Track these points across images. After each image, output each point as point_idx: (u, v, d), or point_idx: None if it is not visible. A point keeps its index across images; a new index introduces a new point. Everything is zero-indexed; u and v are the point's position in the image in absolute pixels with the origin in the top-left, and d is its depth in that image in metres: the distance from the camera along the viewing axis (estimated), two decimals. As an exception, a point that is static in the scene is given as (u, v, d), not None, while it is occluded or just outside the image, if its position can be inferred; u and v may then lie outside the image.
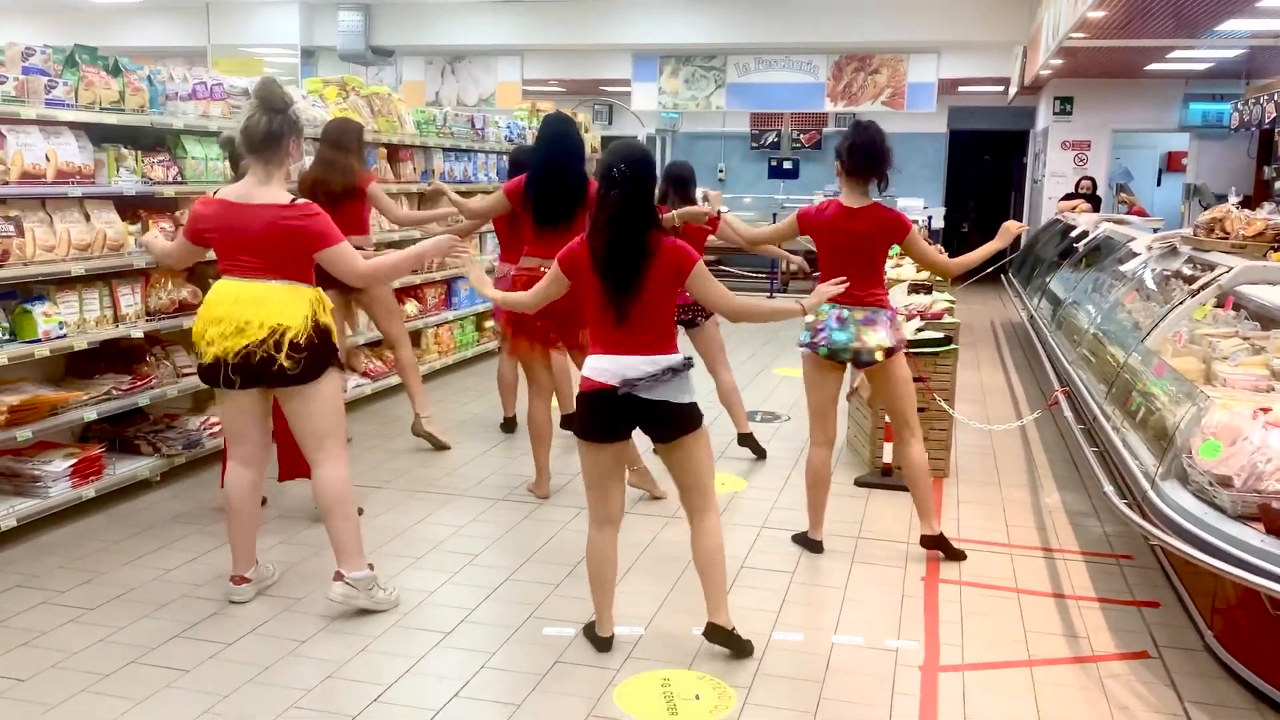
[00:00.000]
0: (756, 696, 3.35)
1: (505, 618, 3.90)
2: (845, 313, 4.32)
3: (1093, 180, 12.59)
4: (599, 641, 3.63)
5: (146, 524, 4.80)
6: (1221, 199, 10.58)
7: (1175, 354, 4.74)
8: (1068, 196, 12.46)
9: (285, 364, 3.64)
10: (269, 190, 3.72)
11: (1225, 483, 3.32)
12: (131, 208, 5.15)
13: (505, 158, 9.37)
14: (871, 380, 4.66)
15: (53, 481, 4.67)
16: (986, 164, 18.41)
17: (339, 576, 3.86)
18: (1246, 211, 5.40)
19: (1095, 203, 12.07)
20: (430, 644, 3.67)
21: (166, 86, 5.31)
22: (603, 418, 3.41)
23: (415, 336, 7.95)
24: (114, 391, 5.03)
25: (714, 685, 3.41)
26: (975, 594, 4.22)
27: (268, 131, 3.69)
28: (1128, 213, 11.66)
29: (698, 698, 3.33)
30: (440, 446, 6.07)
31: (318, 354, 3.73)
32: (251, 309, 3.65)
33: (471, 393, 7.71)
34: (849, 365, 4.43)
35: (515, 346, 5.17)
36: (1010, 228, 4.52)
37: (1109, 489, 3.89)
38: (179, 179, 5.34)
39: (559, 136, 5.07)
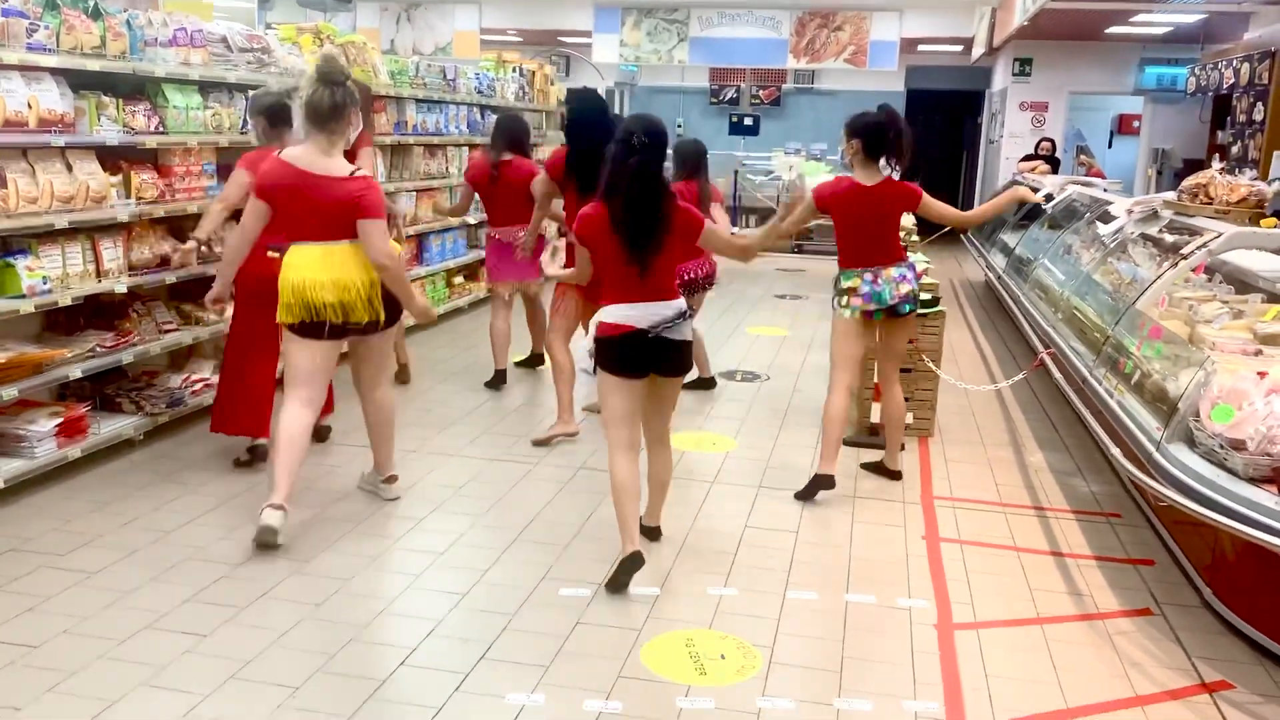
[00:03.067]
0: (780, 655, 3.39)
1: (519, 578, 3.89)
2: (880, 274, 4.69)
3: (1052, 141, 12.76)
4: (631, 561, 3.82)
5: (136, 484, 4.69)
6: (1194, 164, 10.80)
7: (1160, 318, 4.84)
8: (1027, 158, 12.61)
9: (381, 317, 4.13)
10: (334, 161, 4.03)
11: (1238, 446, 3.42)
12: (111, 158, 4.97)
13: (476, 110, 9.22)
14: (889, 329, 4.89)
15: (38, 441, 4.53)
16: (938, 124, 18.52)
17: (392, 479, 4.60)
18: (1230, 178, 5.52)
19: (1054, 164, 12.23)
20: (448, 606, 3.65)
21: (145, 32, 5.10)
22: (635, 356, 3.80)
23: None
24: (98, 348, 4.88)
25: (738, 645, 3.44)
26: (976, 552, 4.30)
27: (333, 104, 3.97)
28: (1086, 174, 11.83)
29: (723, 657, 3.36)
30: None
31: (392, 302, 4.17)
32: (343, 270, 4.00)
33: (448, 349, 7.63)
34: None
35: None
36: (1021, 194, 4.63)
37: (1115, 451, 3.98)
38: (161, 129, 5.15)
39: (601, 111, 5.64)
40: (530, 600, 3.73)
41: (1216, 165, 5.61)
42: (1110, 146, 16.77)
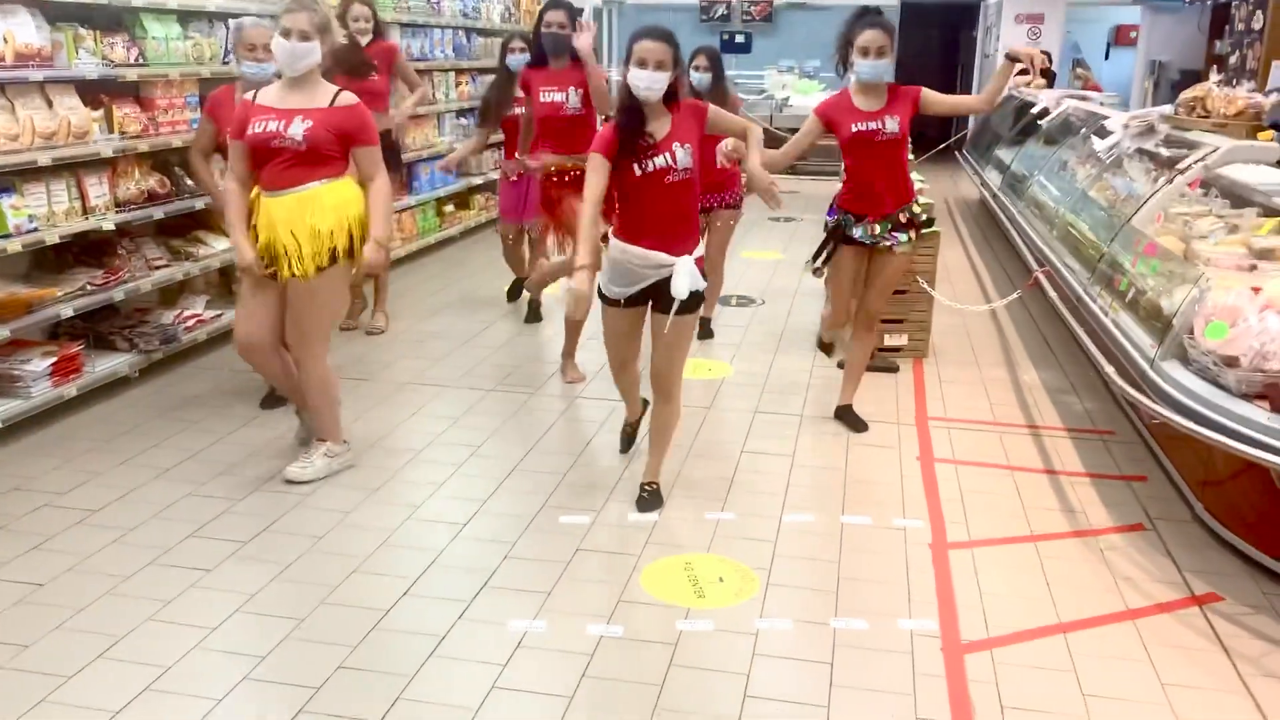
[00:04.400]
0: (777, 578, 3.44)
1: (519, 508, 3.93)
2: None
3: (1048, 55, 12.53)
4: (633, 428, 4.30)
5: (133, 422, 4.70)
6: (1191, 75, 10.65)
7: (1156, 234, 4.81)
8: (1022, 71, 12.41)
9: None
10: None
11: (1231, 363, 3.42)
12: (92, 92, 4.88)
13: (462, 33, 9.04)
14: (875, 260, 4.60)
15: (33, 381, 4.54)
16: (935, 39, 18.21)
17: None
18: (1227, 90, 5.45)
19: (1050, 78, 12.04)
20: (449, 536, 3.69)
21: (120, -40, 4.98)
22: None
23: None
24: (88, 286, 4.85)
25: (735, 568, 3.49)
26: (971, 472, 4.34)
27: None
28: (1083, 88, 11.69)
29: (721, 580, 3.41)
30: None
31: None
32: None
33: (439, 280, 7.60)
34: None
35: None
36: (1013, 55, 4.39)
37: (1109, 369, 3.99)
38: (141, 61, 5.05)
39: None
40: (530, 528, 3.77)
41: (1214, 78, 5.54)
42: (1107, 58, 16.54)
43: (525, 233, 6.52)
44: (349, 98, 3.93)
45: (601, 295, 3.81)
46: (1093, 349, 4.34)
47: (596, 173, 3.58)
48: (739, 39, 16.51)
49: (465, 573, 3.44)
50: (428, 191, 8.42)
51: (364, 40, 5.90)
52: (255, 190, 3.93)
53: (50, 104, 4.59)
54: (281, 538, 3.66)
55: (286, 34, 3.78)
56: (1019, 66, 4.50)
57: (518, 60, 6.14)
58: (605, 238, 3.79)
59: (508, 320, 6.55)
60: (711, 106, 3.77)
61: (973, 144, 12.31)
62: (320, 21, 3.85)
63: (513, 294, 6.94)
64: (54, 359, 4.63)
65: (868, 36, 4.30)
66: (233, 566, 3.45)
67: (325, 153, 3.84)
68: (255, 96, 3.92)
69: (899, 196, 4.48)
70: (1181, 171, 4.92)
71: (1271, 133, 4.85)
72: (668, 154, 3.58)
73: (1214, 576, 3.49)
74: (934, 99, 4.45)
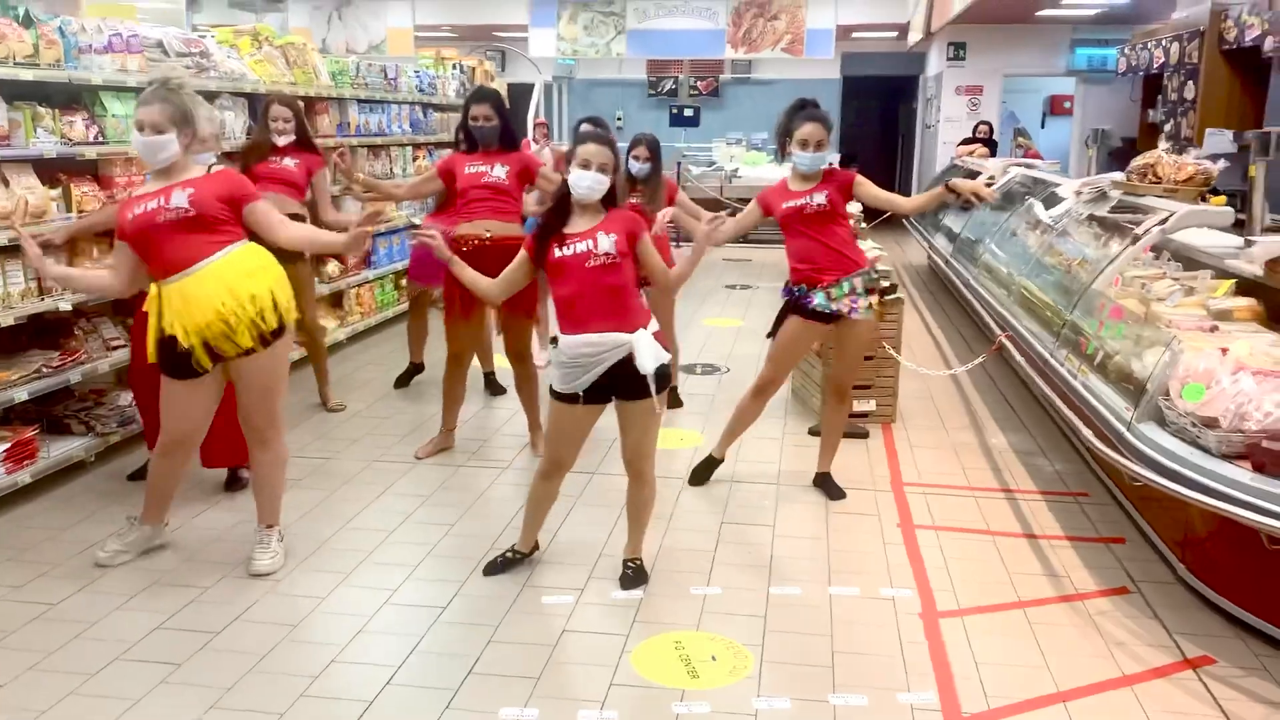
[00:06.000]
0: (771, 654, 3.37)
1: (498, 588, 3.82)
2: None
3: (990, 124, 12.91)
4: (517, 558, 4.00)
5: (89, 508, 4.53)
6: (1130, 142, 10.96)
7: (1116, 297, 4.90)
8: (966, 141, 12.75)
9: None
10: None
11: (1210, 424, 3.46)
12: (49, 170, 4.78)
13: (419, 109, 9.08)
14: (841, 331, 4.60)
15: (-14, 468, 4.36)
16: (873, 111, 18.68)
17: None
18: (1177, 157, 5.61)
19: (992, 147, 12.39)
20: (429, 620, 3.57)
21: (79, 39, 4.91)
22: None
23: (338, 298, 7.69)
24: (44, 369, 4.70)
25: (727, 645, 3.41)
26: (952, 538, 4.32)
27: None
28: (1024, 155, 12.02)
29: (714, 659, 3.33)
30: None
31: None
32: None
33: (401, 353, 7.49)
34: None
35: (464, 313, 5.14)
36: (964, 187, 4.46)
37: (1087, 433, 4.02)
38: (100, 139, 4.97)
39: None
40: (513, 610, 3.66)
41: (1163, 145, 5.70)
42: (1043, 127, 17.05)
43: (430, 297, 6.52)
44: (222, 167, 3.85)
45: (555, 394, 3.68)
46: (1067, 413, 4.37)
47: (514, 265, 3.75)
48: (688, 113, 16.79)
49: (449, 659, 3.33)
50: (386, 265, 8.36)
51: (282, 142, 5.50)
52: (153, 289, 3.72)
53: (6, 183, 4.48)
54: (252, 627, 3.51)
55: (140, 127, 3.59)
56: (953, 187, 4.52)
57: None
58: (555, 340, 3.74)
59: (471, 395, 6.45)
60: (644, 236, 3.66)
61: (921, 215, 12.54)
62: (175, 114, 3.61)
63: (402, 380, 6.67)
64: (8, 444, 4.46)
65: (807, 130, 4.39)
66: (203, 659, 3.30)
67: (216, 217, 3.66)
68: (132, 196, 3.79)
69: (844, 266, 4.47)
70: (1139, 237, 5.04)
71: (1224, 198, 4.99)
72: (590, 240, 3.57)
73: (1204, 639, 3.48)
74: (867, 190, 4.55)
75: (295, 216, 4.86)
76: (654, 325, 3.65)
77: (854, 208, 6.76)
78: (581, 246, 3.56)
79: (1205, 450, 3.46)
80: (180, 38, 5.74)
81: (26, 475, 4.54)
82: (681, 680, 3.20)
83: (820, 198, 4.42)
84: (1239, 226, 5.25)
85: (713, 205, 6.25)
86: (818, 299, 4.46)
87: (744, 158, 15.01)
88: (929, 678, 3.24)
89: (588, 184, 3.56)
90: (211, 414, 3.90)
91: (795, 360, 4.79)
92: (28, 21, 4.57)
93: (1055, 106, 16.68)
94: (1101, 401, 4.23)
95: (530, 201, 5.42)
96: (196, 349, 3.64)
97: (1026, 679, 3.24)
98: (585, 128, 6.18)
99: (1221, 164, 5.53)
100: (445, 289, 5.20)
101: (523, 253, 3.72)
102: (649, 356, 3.53)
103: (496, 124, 4.99)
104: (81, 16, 5.31)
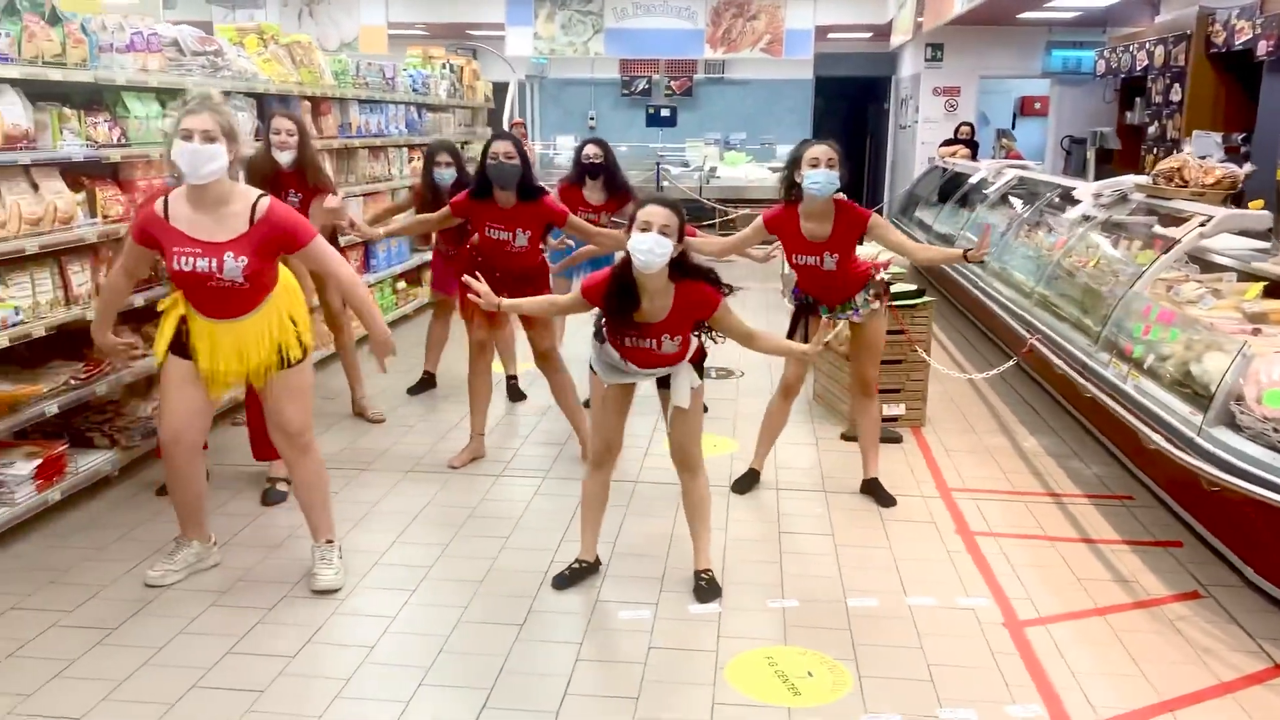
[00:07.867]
0: (867, 669, 3.31)
1: (569, 604, 3.73)
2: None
3: (971, 125, 13.00)
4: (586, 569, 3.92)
5: (123, 525, 4.35)
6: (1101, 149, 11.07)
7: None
8: (947, 142, 12.83)
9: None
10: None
11: (1295, 429, 3.47)
12: (71, 174, 4.59)
13: (413, 109, 8.91)
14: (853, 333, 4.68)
15: (17, 486, 4.16)
16: (843, 111, 18.76)
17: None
18: (1203, 160, 5.66)
19: (974, 148, 12.47)
20: (510, 638, 3.47)
21: (101, 37, 4.73)
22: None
23: (341, 302, 7.51)
24: (72, 381, 4.51)
25: (820, 659, 3.35)
26: (1014, 545, 4.30)
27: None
28: (1006, 157, 12.11)
29: (810, 674, 3.27)
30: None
31: None
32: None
33: (404, 358, 7.34)
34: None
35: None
36: (975, 257, 4.42)
37: (1156, 437, 4.02)
38: (123, 141, 4.79)
39: None
40: (591, 626, 3.57)
41: (1188, 149, 5.75)
42: (1014, 127, 17.22)
43: (452, 305, 6.36)
44: (265, 203, 3.56)
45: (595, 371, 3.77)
46: (1126, 416, 4.36)
47: (571, 299, 3.72)
48: (664, 113, 16.73)
49: (539, 679, 3.23)
50: (385, 269, 8.20)
51: (285, 157, 5.12)
52: (182, 303, 3.69)
53: (36, 188, 4.29)
54: (329, 649, 3.39)
55: (188, 136, 3.38)
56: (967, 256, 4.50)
57: (445, 175, 5.88)
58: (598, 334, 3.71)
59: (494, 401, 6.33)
60: (716, 313, 3.62)
61: (902, 213, 12.60)
62: (225, 125, 3.46)
63: (416, 388, 6.52)
64: (39, 461, 4.27)
65: (817, 150, 4.32)
66: (285, 686, 3.17)
67: (267, 277, 3.64)
68: (166, 209, 3.55)
69: (849, 292, 4.61)
70: (1177, 240, 5.07)
71: (1261, 201, 5.04)
72: (653, 340, 3.54)
73: (1288, 643, 3.50)
74: (882, 234, 4.48)
75: None
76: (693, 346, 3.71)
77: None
78: (645, 343, 3.56)
79: (1287, 455, 3.47)
80: (195, 36, 5.55)
81: (57, 493, 4.35)
82: (784, 698, 3.14)
83: (831, 262, 4.45)
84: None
85: (692, 206, 6.18)
86: (824, 310, 4.65)
87: (726, 158, 14.98)
88: (1029, 689, 3.21)
89: (647, 245, 3.34)
90: (207, 413, 3.82)
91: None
92: (55, 19, 4.38)
93: (1026, 107, 16.86)
94: (1160, 405, 4.23)
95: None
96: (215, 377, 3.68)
97: (1127, 688, 3.22)
98: (590, 149, 6.17)
99: (1248, 168, 5.60)
100: (461, 299, 5.06)
101: (583, 300, 3.62)
102: (685, 389, 3.69)
103: (518, 164, 4.69)
104: (142, 19, 5.11)
